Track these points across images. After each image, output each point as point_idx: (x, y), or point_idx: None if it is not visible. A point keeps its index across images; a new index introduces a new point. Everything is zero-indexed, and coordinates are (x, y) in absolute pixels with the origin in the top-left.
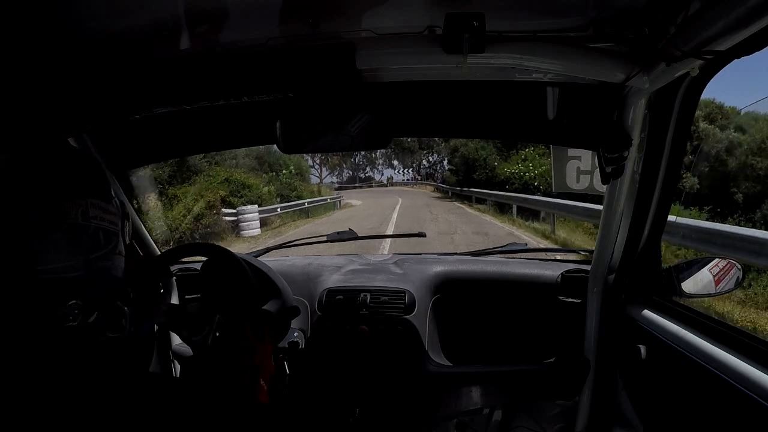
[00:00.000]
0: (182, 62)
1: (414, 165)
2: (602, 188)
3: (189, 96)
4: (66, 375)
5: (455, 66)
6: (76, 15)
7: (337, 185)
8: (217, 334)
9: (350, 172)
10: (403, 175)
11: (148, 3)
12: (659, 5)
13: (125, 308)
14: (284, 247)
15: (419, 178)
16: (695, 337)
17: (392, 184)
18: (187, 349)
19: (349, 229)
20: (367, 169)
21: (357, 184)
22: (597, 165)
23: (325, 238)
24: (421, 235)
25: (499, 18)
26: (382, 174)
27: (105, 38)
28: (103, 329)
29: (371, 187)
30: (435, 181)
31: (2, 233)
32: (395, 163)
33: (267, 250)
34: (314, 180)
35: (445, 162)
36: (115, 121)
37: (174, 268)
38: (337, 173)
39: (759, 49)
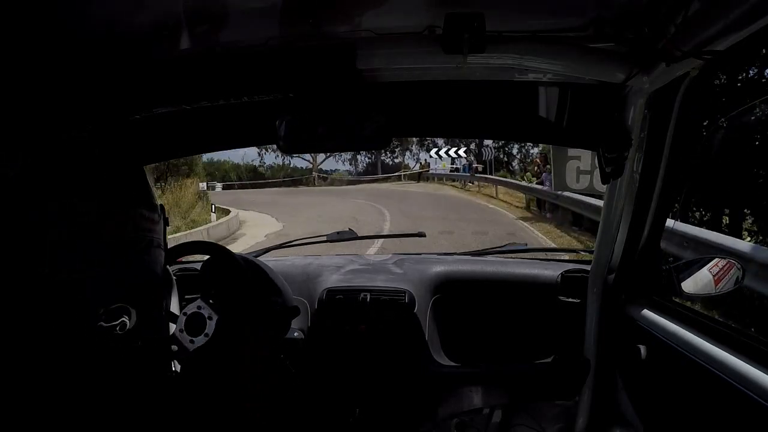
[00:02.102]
0: (182, 62)
1: (473, 144)
2: (602, 188)
3: (189, 96)
4: (93, 377)
5: (455, 66)
6: (76, 15)
7: (350, 177)
8: (217, 335)
9: (370, 157)
10: (452, 161)
11: (148, 3)
12: (659, 5)
13: (158, 313)
14: (284, 247)
15: (479, 168)
16: (695, 337)
17: (425, 178)
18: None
19: (349, 229)
20: (397, 152)
21: (380, 175)
22: (597, 165)
23: (325, 238)
24: (421, 234)
25: (499, 18)
26: (417, 160)
27: (105, 38)
28: (140, 335)
29: (391, 180)
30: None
31: (44, 243)
32: (439, 142)
33: (267, 250)
34: (306, 165)
35: None
36: (115, 121)
37: (173, 268)
38: (350, 159)
39: (759, 49)
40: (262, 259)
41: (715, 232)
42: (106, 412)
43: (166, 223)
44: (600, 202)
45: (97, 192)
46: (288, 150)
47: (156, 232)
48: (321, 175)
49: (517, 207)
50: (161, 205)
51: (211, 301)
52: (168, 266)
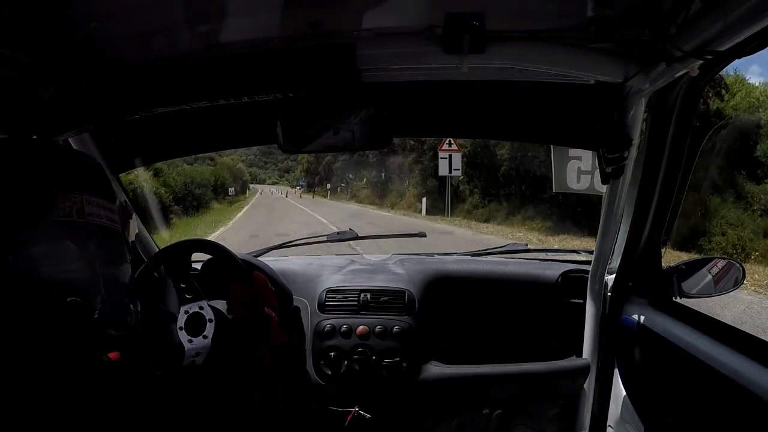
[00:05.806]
0: (182, 62)
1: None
2: (602, 188)
3: (189, 96)
4: (66, 371)
5: (455, 66)
6: (76, 15)
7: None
8: (217, 337)
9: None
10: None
11: (149, 3)
12: (659, 5)
13: (131, 306)
14: (284, 247)
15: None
16: (695, 337)
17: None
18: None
19: (350, 229)
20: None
21: None
22: (597, 165)
23: (325, 238)
24: (422, 235)
25: (499, 18)
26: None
27: (105, 38)
28: (105, 326)
29: None
30: None
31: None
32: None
33: (267, 250)
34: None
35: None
36: (115, 121)
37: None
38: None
39: (759, 49)
40: (262, 259)
41: None
42: (101, 411)
43: (129, 215)
44: None
45: (82, 187)
46: (288, 150)
47: (113, 220)
48: None
49: None
50: (124, 200)
51: (213, 302)
52: (164, 264)
